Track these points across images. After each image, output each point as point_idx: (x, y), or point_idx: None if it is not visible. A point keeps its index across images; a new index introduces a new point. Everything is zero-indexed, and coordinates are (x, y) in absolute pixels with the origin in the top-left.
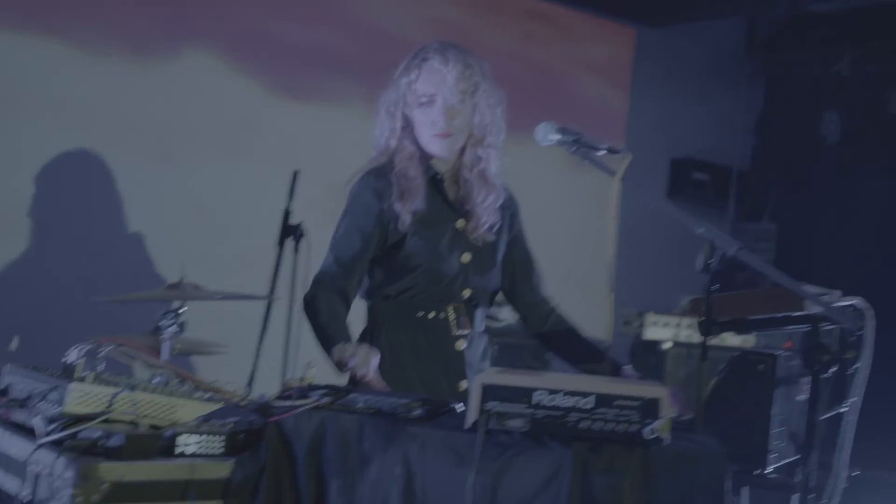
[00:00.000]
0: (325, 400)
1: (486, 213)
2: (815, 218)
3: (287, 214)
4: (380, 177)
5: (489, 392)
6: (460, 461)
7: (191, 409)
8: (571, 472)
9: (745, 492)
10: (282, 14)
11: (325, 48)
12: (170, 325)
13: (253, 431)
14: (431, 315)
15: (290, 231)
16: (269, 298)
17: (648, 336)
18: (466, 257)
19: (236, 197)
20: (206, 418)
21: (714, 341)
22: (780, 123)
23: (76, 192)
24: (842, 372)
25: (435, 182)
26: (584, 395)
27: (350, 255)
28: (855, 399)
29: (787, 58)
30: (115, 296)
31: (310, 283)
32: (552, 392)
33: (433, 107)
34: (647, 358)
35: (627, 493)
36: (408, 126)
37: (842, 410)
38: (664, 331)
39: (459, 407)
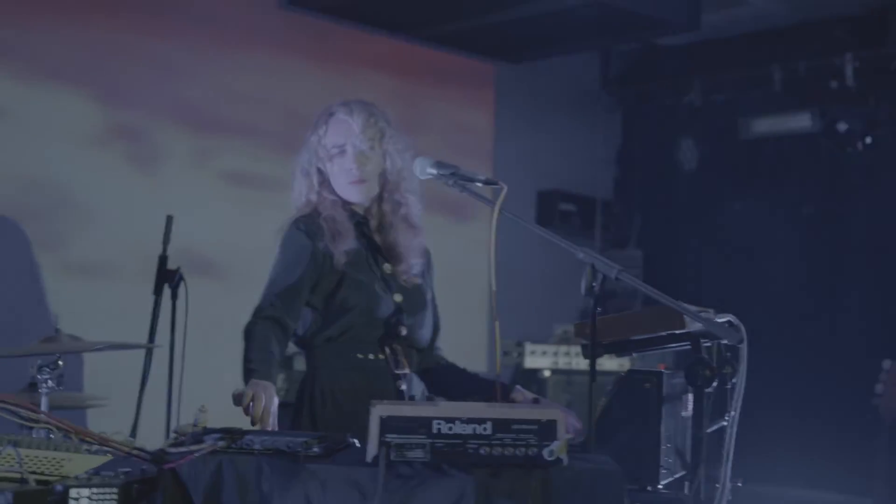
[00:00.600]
0: (221, 444)
1: (413, 255)
2: (679, 242)
3: (163, 260)
4: (309, 222)
5: (388, 424)
6: (363, 496)
7: (79, 463)
8: (474, 499)
9: None
10: None
11: None
12: (47, 380)
13: (147, 480)
14: (370, 356)
15: (168, 277)
16: (151, 346)
17: (528, 365)
18: (398, 297)
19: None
20: (97, 471)
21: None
22: (639, 153)
23: None
24: (721, 387)
25: (360, 227)
26: (482, 421)
27: (288, 286)
28: (734, 413)
29: (641, 90)
30: None
31: (185, 331)
32: (450, 420)
33: (345, 156)
34: (528, 386)
35: None
36: (324, 180)
37: (724, 424)
38: (543, 359)
39: (355, 442)
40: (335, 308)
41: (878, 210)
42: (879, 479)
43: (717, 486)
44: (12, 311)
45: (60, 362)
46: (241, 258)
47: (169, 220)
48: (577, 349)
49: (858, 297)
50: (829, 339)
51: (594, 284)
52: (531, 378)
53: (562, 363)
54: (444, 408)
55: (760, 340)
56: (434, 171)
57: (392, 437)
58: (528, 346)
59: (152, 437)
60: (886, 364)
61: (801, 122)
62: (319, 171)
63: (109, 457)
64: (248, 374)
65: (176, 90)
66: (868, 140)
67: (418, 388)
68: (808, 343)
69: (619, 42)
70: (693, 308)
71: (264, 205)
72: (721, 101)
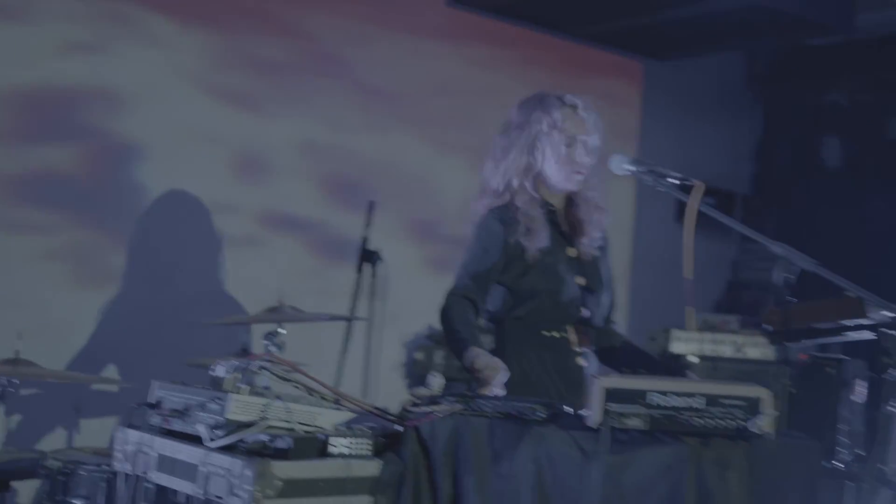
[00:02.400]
0: (458, 406)
1: (594, 230)
2: (817, 238)
3: (364, 241)
4: (504, 213)
5: (610, 394)
6: (585, 457)
7: (329, 417)
8: (687, 464)
9: None
10: None
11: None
12: (271, 347)
13: (392, 435)
14: (554, 334)
15: (368, 256)
16: (359, 319)
17: (674, 350)
18: (581, 280)
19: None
20: (349, 424)
21: (737, 354)
22: (780, 150)
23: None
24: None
25: (550, 215)
26: (694, 395)
27: (481, 271)
28: None
29: (785, 87)
30: (218, 318)
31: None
32: (665, 393)
33: (575, 148)
34: (674, 371)
35: (735, 482)
36: (532, 166)
37: (889, 409)
38: (688, 346)
39: (570, 410)
40: (524, 291)
41: None
42: None
43: (882, 467)
44: (208, 283)
45: (282, 330)
46: None
47: (371, 205)
48: (724, 337)
49: None
50: None
51: (788, 276)
52: (676, 363)
53: (707, 350)
54: (660, 382)
55: None
56: (632, 168)
57: (613, 406)
58: (674, 333)
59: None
60: None
61: None
62: (533, 155)
63: (353, 413)
64: (459, 343)
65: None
66: None
67: (594, 364)
68: None
69: (770, 42)
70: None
71: None
72: (867, 101)
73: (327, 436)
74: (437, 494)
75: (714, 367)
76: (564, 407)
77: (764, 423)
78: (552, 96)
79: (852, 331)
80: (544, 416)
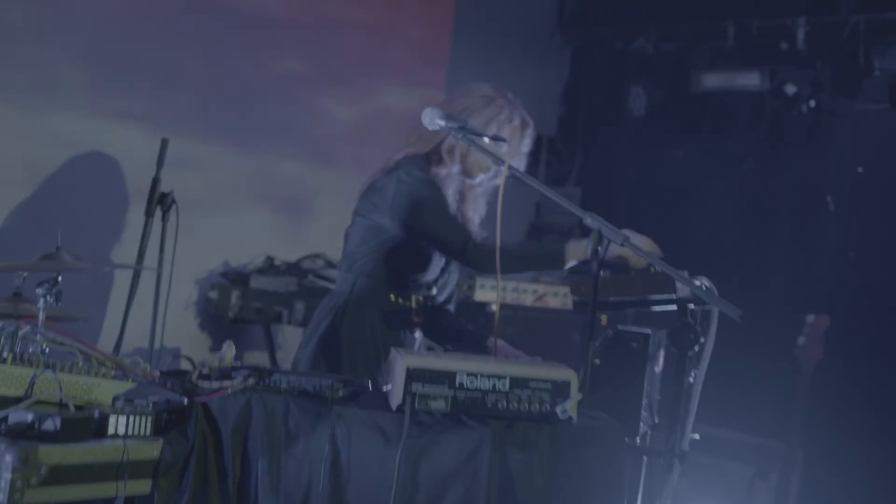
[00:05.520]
0: (251, 381)
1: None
2: (618, 184)
3: (155, 183)
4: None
5: (413, 374)
6: (386, 440)
7: (107, 389)
8: (490, 449)
9: None
10: None
11: None
12: (46, 295)
13: (177, 410)
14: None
15: (160, 199)
16: (153, 269)
17: (478, 298)
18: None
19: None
20: (128, 398)
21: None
22: (586, 94)
23: None
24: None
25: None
26: (501, 377)
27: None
28: (700, 372)
29: (592, 31)
30: None
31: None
32: (472, 374)
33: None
34: (476, 318)
35: (538, 466)
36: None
37: (690, 380)
38: (491, 293)
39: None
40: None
41: (811, 171)
42: (796, 423)
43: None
44: None
45: (59, 279)
46: None
47: (164, 142)
48: (526, 286)
49: (785, 253)
50: (755, 290)
51: (599, 248)
52: (479, 311)
53: (510, 298)
54: (467, 362)
55: None
56: (442, 123)
57: (417, 387)
58: (479, 280)
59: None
60: (810, 318)
61: (751, 80)
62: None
63: (134, 383)
64: (547, 254)
65: None
66: (812, 103)
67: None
68: (734, 293)
69: None
70: (686, 275)
71: None
72: (671, 49)
73: (103, 413)
74: (224, 477)
75: (514, 314)
76: (366, 384)
77: (570, 407)
78: (515, 106)
79: (659, 304)
80: (344, 394)
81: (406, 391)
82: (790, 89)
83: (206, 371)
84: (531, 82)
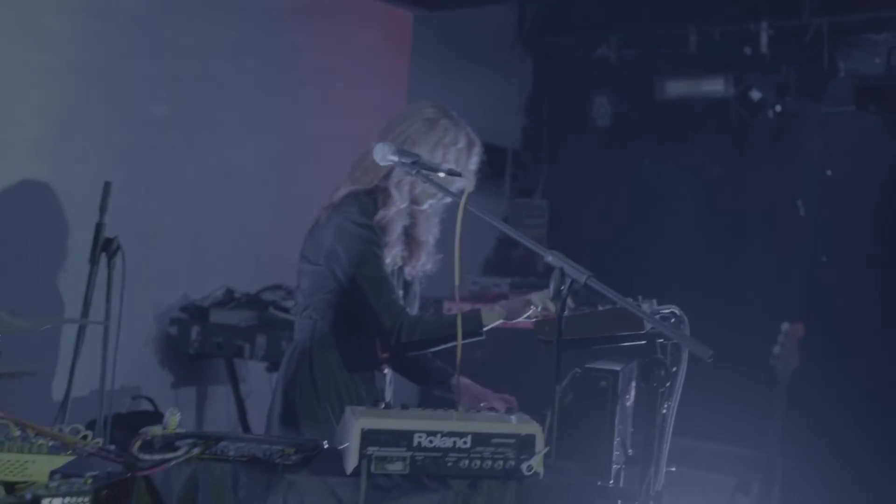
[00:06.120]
0: (196, 450)
1: (429, 259)
2: (585, 195)
3: (99, 228)
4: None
5: (369, 437)
6: None
7: (43, 464)
8: None
9: None
10: None
11: None
12: None
13: (117, 485)
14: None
15: (104, 246)
16: (99, 323)
17: None
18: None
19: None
20: (64, 474)
21: None
22: (549, 104)
23: None
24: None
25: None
26: (462, 434)
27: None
28: (673, 403)
29: (553, 41)
30: None
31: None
32: (431, 434)
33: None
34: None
35: None
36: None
37: (663, 412)
38: None
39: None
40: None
41: (779, 176)
42: (775, 433)
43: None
44: None
45: None
46: None
47: (107, 186)
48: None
49: (756, 260)
50: (726, 299)
51: (562, 288)
52: None
53: None
54: (425, 421)
55: (660, 299)
56: (395, 159)
57: (373, 450)
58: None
59: (83, 414)
60: (784, 326)
61: (715, 86)
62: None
63: (72, 455)
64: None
65: None
66: (778, 108)
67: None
68: (705, 303)
69: None
70: (655, 306)
71: None
72: (634, 56)
73: (36, 496)
74: None
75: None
76: (321, 444)
77: (535, 463)
78: (466, 130)
79: (627, 341)
80: (296, 459)
81: (361, 454)
82: (755, 95)
83: (148, 441)
84: (494, 94)
